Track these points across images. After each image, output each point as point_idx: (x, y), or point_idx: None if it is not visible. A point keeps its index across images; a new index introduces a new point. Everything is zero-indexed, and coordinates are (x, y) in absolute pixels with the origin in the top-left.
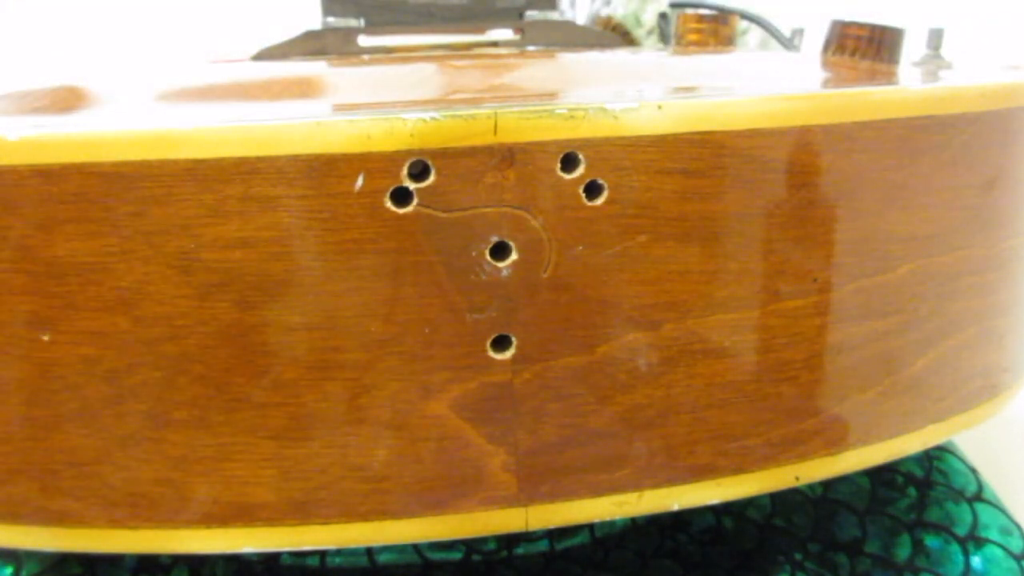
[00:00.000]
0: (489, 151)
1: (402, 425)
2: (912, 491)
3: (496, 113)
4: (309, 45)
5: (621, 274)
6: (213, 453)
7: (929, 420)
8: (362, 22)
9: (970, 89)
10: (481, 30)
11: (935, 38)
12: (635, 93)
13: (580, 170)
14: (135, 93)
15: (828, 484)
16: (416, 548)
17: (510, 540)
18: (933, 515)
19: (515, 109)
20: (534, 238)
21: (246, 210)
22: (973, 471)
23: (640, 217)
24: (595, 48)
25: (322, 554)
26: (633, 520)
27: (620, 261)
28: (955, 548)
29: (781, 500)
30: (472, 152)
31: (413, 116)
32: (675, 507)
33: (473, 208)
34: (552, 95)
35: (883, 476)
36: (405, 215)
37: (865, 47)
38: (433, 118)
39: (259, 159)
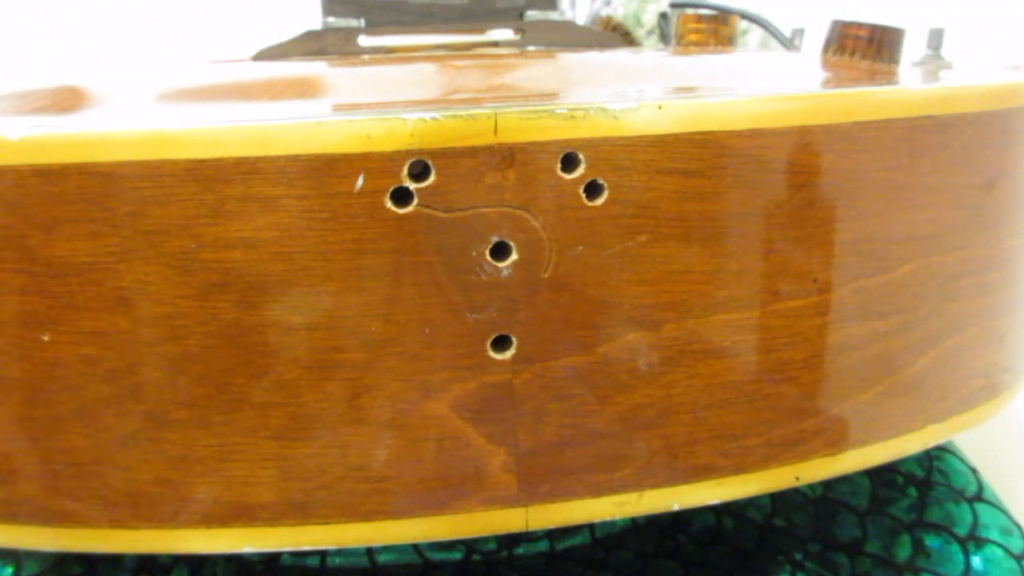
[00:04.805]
0: (489, 151)
1: (402, 425)
2: (912, 491)
3: (496, 113)
4: (309, 45)
5: (621, 274)
6: (213, 453)
7: (929, 420)
8: (362, 22)
9: (970, 89)
10: (481, 30)
11: (935, 38)
12: (635, 93)
13: (580, 170)
14: (135, 93)
15: (828, 484)
16: (416, 548)
17: (510, 540)
18: (933, 515)
19: (515, 109)
20: (534, 238)
21: (246, 210)
22: (973, 471)
23: (640, 217)
24: (595, 48)
25: (322, 554)
26: (633, 520)
27: (620, 261)
28: (955, 548)
29: (781, 500)
30: (472, 152)
31: (413, 116)
32: (675, 507)
33: (473, 208)
34: (552, 95)
35: (883, 476)
36: (405, 215)
37: (865, 47)
38: (433, 118)
39: (259, 159)
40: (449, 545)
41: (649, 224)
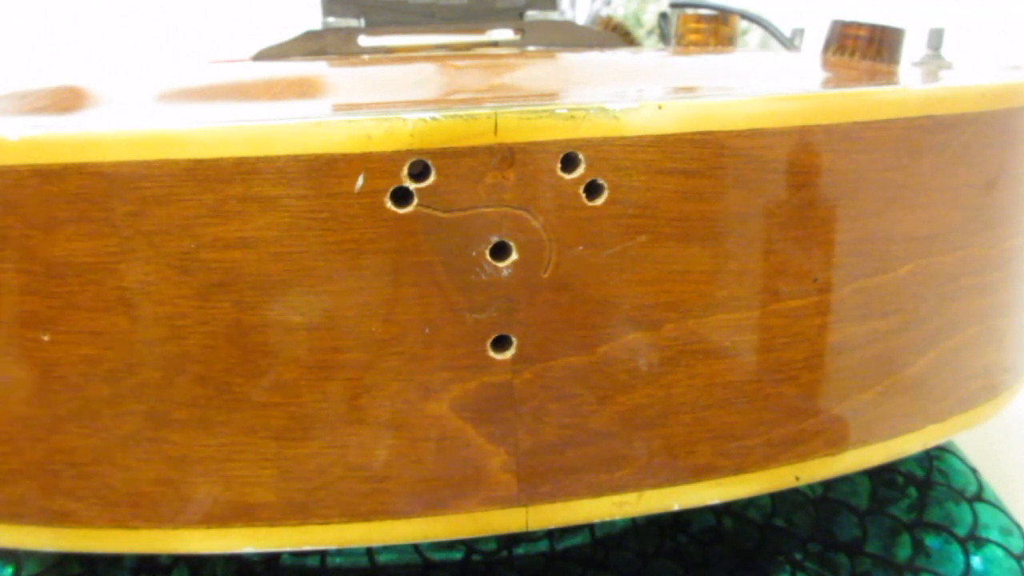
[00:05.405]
0: (489, 151)
1: (402, 425)
2: (912, 491)
3: (496, 113)
4: (309, 45)
5: (621, 274)
6: (213, 453)
7: (929, 420)
8: (362, 22)
9: (970, 89)
10: (481, 30)
11: (935, 38)
12: (635, 93)
13: (580, 170)
14: (135, 93)
15: (828, 484)
16: (416, 548)
17: (510, 540)
18: (933, 515)
19: (515, 109)
20: (534, 238)
21: (246, 210)
22: (973, 471)
23: (640, 217)
24: (595, 48)
25: (322, 554)
26: (633, 520)
27: (620, 261)
28: (955, 548)
29: (781, 500)
30: (472, 152)
31: (413, 116)
32: (675, 507)
33: (473, 208)
34: (552, 95)
35: (883, 476)
36: (405, 215)
37: (865, 47)
38: (433, 118)
39: (259, 159)
40: (449, 545)
41: (649, 224)
